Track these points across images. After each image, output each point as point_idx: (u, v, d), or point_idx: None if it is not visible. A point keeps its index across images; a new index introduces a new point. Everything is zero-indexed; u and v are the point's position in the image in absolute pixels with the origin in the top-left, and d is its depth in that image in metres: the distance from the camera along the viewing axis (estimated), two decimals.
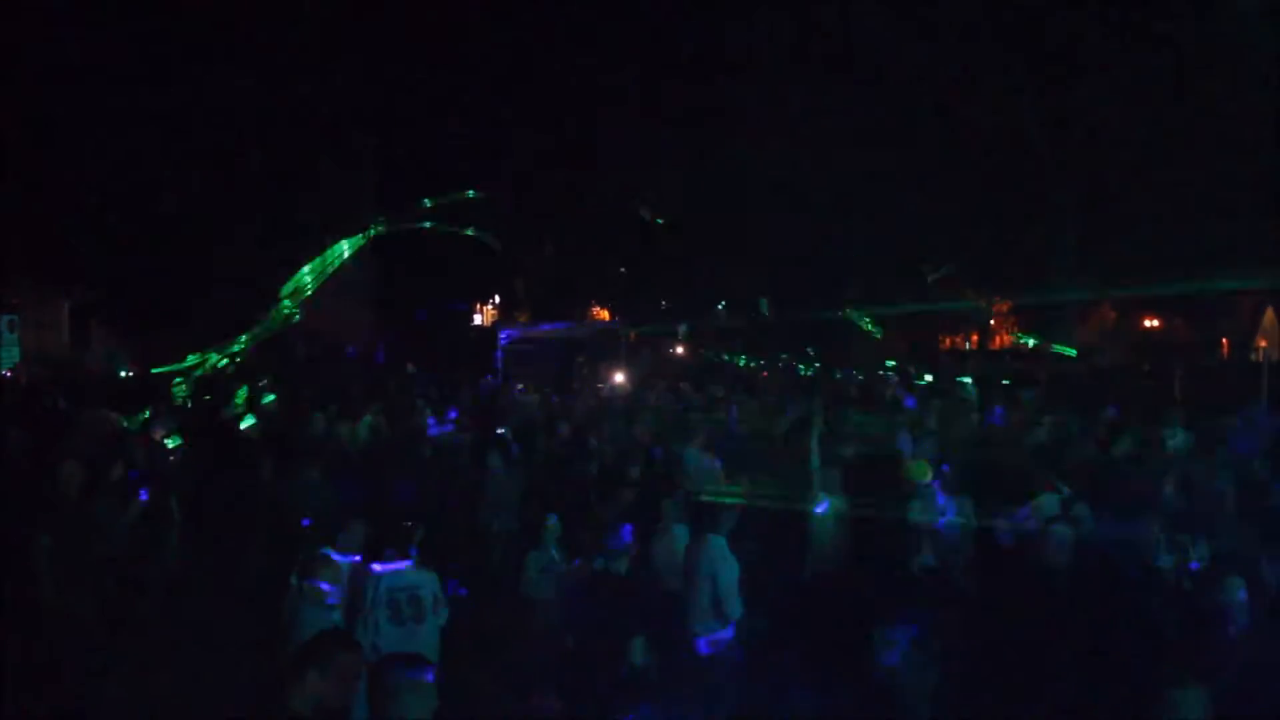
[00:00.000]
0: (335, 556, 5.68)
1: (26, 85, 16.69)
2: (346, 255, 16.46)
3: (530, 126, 27.70)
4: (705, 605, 6.49)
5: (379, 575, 5.71)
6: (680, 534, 6.91)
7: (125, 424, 10.49)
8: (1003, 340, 40.17)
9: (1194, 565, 6.25)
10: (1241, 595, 5.35)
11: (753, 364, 27.67)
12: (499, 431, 10.65)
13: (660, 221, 28.05)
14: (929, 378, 18.44)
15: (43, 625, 6.45)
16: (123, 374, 18.85)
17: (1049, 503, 7.48)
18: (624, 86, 26.75)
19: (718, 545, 6.60)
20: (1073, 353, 16.40)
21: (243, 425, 11.04)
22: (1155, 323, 36.01)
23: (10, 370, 16.96)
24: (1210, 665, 4.87)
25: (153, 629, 6.60)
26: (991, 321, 37.82)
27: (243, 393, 13.14)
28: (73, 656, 6.22)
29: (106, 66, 17.00)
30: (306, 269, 15.76)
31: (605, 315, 36.73)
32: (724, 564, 6.51)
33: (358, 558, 5.85)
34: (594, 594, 5.66)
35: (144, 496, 7.67)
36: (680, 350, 31.83)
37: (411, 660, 3.75)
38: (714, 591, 6.43)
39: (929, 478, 7.80)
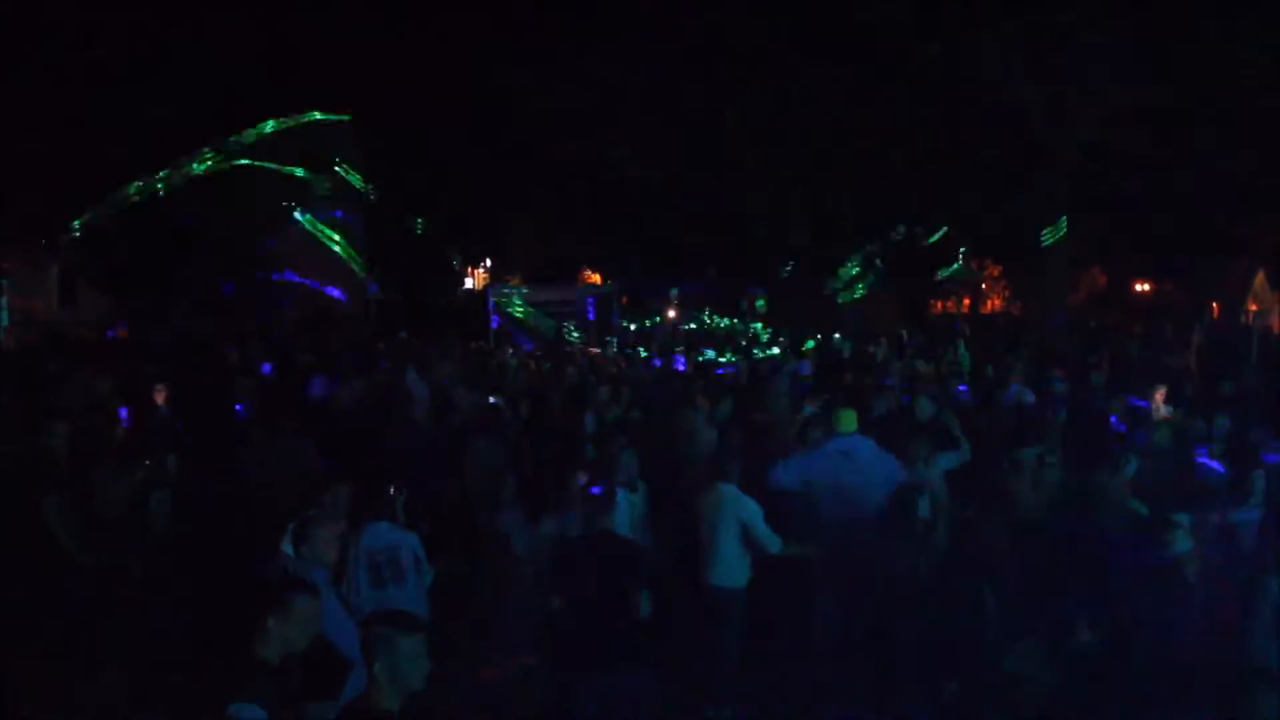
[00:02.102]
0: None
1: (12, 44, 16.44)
2: None
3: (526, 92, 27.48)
4: (730, 554, 6.58)
5: (357, 536, 5.71)
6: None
7: None
8: (994, 304, 40.28)
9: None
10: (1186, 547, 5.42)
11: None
12: (491, 400, 10.60)
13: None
14: None
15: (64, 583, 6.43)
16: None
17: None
18: (613, 48, 26.51)
19: (730, 490, 6.72)
20: None
21: None
22: (1146, 286, 36.03)
23: None
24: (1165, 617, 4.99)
25: (144, 596, 6.61)
26: (983, 285, 37.89)
27: None
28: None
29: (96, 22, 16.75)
30: None
31: (597, 279, 36.67)
32: (746, 506, 6.65)
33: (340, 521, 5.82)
34: (592, 553, 5.64)
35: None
36: (672, 314, 31.85)
37: (401, 618, 3.75)
38: (743, 536, 6.56)
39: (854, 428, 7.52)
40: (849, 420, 7.42)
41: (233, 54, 18.15)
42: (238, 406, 10.48)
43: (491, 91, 26.78)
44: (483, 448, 9.03)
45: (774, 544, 6.60)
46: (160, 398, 10.11)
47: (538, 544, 6.22)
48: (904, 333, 21.48)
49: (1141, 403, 9.92)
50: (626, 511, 6.47)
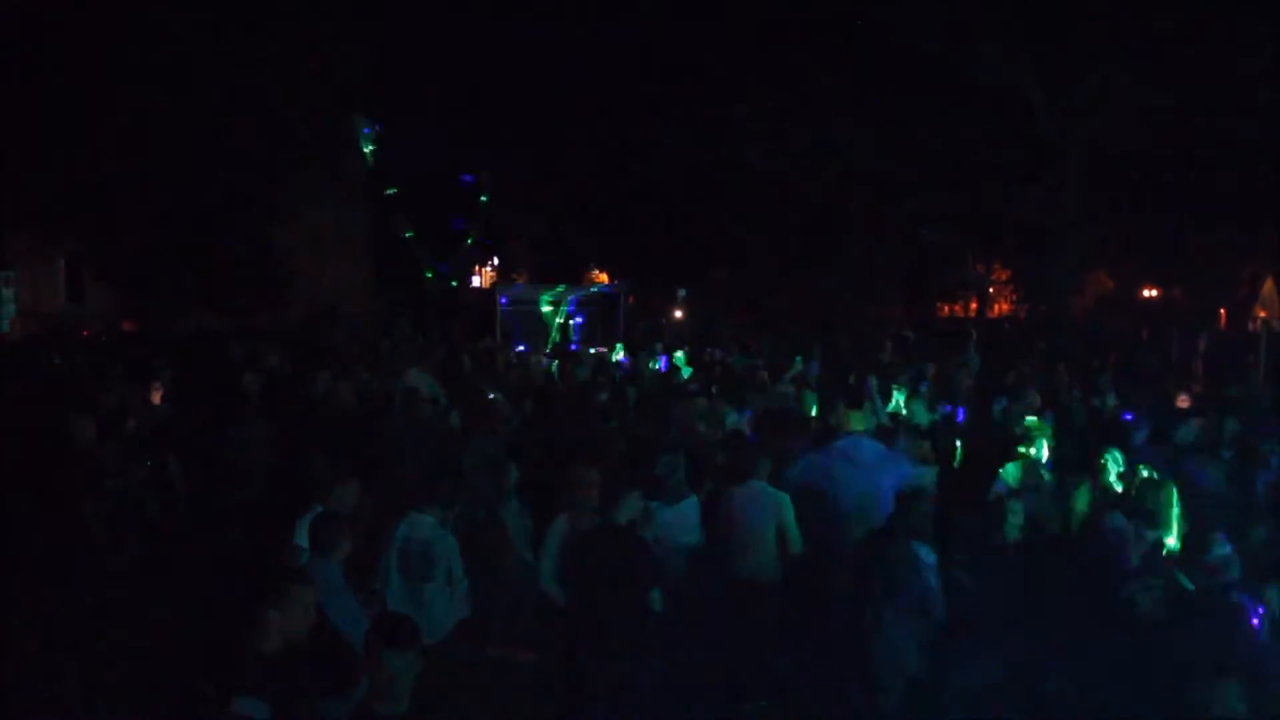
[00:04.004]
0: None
1: (14, 41, 16.44)
2: None
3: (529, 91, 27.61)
4: (768, 550, 6.52)
5: (397, 525, 5.73)
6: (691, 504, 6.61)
7: None
8: (1002, 308, 40.19)
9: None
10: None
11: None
12: (490, 396, 10.56)
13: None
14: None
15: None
16: None
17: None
18: (616, 48, 26.65)
19: (766, 488, 6.68)
20: None
21: None
22: (1154, 292, 35.95)
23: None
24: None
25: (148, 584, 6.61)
26: (990, 289, 37.83)
27: None
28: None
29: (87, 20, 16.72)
30: None
31: (604, 278, 36.66)
32: (784, 503, 6.62)
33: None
34: (602, 547, 5.62)
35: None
36: (679, 314, 31.83)
37: (397, 633, 3.70)
38: (776, 533, 6.51)
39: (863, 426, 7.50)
40: (855, 420, 7.36)
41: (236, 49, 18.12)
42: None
43: (498, 88, 26.85)
44: (481, 445, 8.99)
45: (797, 544, 6.56)
46: (157, 396, 10.09)
47: (546, 539, 6.19)
48: (910, 334, 21.44)
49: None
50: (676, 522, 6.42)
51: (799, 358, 13.32)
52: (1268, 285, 32.47)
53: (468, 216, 29.80)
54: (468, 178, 28.77)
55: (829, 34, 22.49)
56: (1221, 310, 31.32)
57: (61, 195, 17.60)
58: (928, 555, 5.74)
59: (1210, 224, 24.02)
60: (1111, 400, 10.85)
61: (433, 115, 29.29)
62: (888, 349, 16.66)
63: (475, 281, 41.59)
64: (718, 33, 24.23)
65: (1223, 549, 5.39)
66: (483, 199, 27.07)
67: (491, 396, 10.53)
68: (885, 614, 5.48)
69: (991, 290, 38.05)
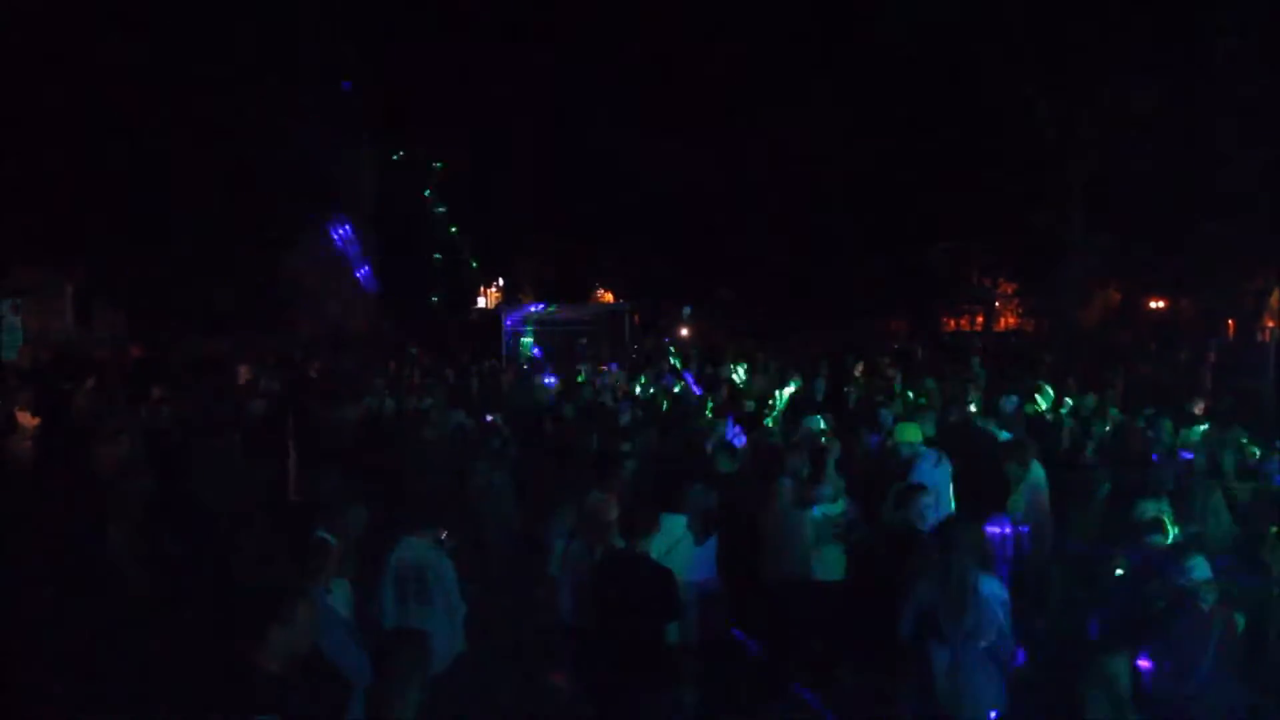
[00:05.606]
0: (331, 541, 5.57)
1: (23, 66, 16.54)
2: None
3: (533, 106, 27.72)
4: (825, 548, 6.66)
5: (390, 548, 5.69)
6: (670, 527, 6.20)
7: None
8: (1008, 322, 40.04)
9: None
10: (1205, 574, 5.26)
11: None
12: (488, 419, 10.52)
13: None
14: None
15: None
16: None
17: None
18: (624, 67, 26.78)
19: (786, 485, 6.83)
20: None
21: None
22: (1161, 304, 35.75)
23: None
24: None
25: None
26: (996, 303, 37.71)
27: None
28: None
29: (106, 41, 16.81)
30: None
31: (609, 297, 36.71)
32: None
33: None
34: (625, 575, 5.52)
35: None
36: (685, 332, 31.81)
37: (414, 637, 3.73)
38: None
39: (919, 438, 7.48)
40: (912, 432, 7.49)
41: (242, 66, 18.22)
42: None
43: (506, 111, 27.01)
44: (483, 468, 8.97)
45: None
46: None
47: (564, 564, 6.15)
48: (919, 349, 21.37)
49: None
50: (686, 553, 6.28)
51: (795, 378, 13.23)
52: (1276, 295, 32.29)
53: (472, 238, 29.91)
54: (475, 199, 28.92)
55: (834, 48, 22.63)
56: (1230, 321, 31.16)
57: (68, 221, 17.68)
58: (995, 589, 5.08)
59: (1219, 233, 23.93)
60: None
61: (440, 138, 29.26)
62: (891, 364, 16.57)
63: (480, 302, 41.70)
64: (725, 49, 24.40)
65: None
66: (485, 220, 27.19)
67: (490, 419, 10.50)
68: (966, 656, 4.99)
69: (998, 304, 37.93)
